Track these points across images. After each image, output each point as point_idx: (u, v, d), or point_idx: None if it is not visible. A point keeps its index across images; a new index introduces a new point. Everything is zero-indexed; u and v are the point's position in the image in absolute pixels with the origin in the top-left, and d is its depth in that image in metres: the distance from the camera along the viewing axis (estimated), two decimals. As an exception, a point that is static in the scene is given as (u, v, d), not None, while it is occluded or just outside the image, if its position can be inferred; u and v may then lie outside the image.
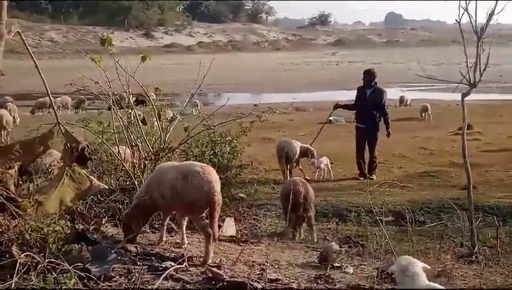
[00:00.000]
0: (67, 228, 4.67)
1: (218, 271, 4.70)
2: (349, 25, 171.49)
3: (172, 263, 4.68)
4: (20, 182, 5.68)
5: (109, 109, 8.29)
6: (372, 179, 11.28)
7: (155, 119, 8.14)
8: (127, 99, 8.28)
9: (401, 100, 27.78)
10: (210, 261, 5.04)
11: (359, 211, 8.69)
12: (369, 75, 12.24)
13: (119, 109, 8.13)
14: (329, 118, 23.47)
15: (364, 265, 5.69)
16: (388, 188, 9.88)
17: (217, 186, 5.27)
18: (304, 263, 5.53)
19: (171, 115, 8.86)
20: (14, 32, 5.36)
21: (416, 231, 7.46)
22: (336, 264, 5.50)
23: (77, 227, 5.15)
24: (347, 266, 5.49)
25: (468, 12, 6.31)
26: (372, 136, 12.07)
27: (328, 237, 7.37)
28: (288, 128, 20.00)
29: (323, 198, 9.55)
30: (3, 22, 5.20)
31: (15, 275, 3.79)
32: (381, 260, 5.75)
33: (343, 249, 6.25)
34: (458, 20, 6.60)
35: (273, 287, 4.50)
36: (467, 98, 6.78)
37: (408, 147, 15.16)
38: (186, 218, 5.69)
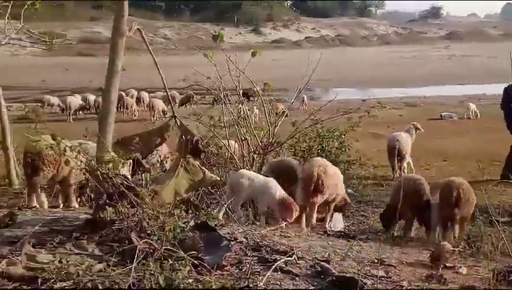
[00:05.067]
0: (182, 218, 4.84)
1: (328, 265, 4.70)
2: (463, 17, 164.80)
3: (282, 256, 4.73)
4: (139, 172, 5.96)
5: (214, 102, 8.47)
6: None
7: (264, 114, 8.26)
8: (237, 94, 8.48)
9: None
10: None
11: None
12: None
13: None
14: (441, 114, 22.75)
15: (479, 266, 5.47)
16: (504, 187, 9.40)
17: None
18: (415, 261, 5.40)
19: (282, 108, 8.94)
20: (135, 29, 5.64)
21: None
22: (449, 265, 5.33)
23: (195, 216, 5.32)
24: (460, 267, 5.30)
25: None
26: None
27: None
28: (398, 124, 19.50)
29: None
30: (125, 20, 5.49)
31: (134, 260, 4.00)
32: (497, 261, 5.50)
33: (456, 249, 6.04)
34: None
35: (383, 284, 4.44)
36: None
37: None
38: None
